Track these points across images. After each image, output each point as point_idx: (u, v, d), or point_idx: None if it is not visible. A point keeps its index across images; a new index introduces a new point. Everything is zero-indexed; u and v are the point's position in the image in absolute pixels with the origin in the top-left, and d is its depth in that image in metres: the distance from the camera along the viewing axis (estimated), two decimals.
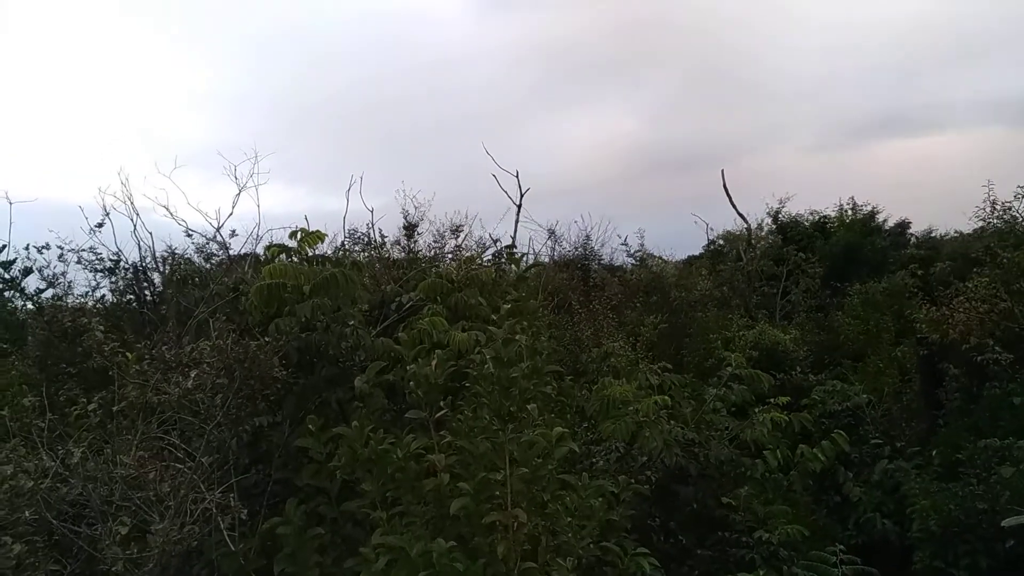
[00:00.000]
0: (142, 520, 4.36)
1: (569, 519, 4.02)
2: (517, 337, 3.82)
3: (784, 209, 16.99)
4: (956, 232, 15.35)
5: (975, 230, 11.34)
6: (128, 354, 5.06)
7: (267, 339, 4.72)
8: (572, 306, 11.69)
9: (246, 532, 4.69)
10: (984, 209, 10.89)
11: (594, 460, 5.77)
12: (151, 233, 8.02)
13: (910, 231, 18.16)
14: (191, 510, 4.38)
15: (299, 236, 5.68)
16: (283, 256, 5.63)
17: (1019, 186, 9.13)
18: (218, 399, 4.74)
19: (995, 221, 10.71)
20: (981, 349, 8.98)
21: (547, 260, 15.02)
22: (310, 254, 5.42)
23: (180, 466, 4.64)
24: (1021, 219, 9.76)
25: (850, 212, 17.52)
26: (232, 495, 4.46)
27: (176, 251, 7.50)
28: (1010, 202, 9.61)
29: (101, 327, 4.67)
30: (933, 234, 17.72)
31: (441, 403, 4.32)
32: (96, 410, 4.40)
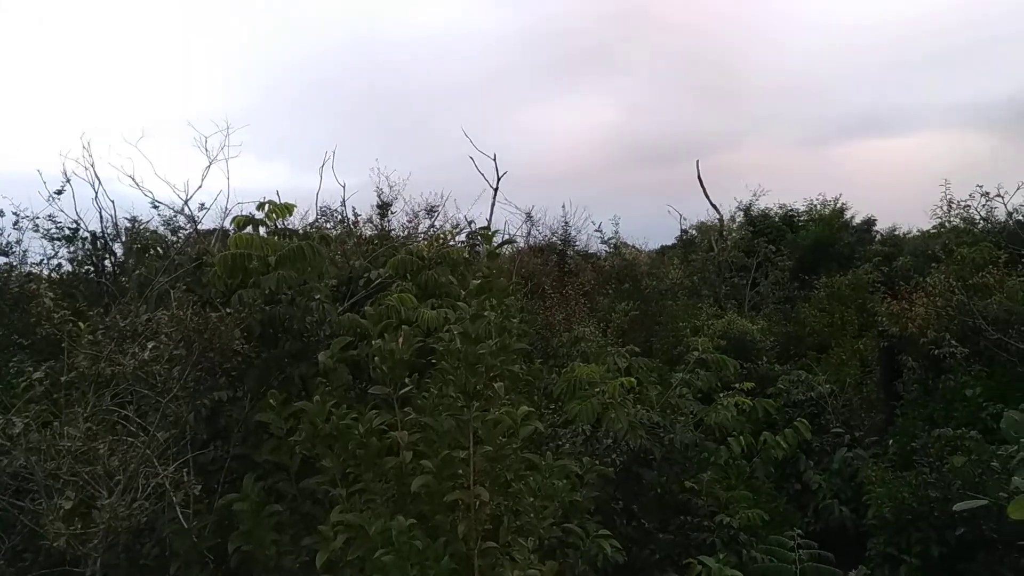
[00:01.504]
0: (90, 495, 4.19)
1: (532, 499, 3.98)
2: (486, 314, 3.75)
3: (756, 203, 17.21)
4: (919, 231, 15.71)
5: (934, 227, 11.65)
6: (81, 324, 4.85)
7: (229, 311, 4.56)
8: (545, 291, 11.67)
9: (202, 509, 4.56)
10: (941, 208, 11.16)
11: (560, 442, 5.75)
12: (113, 202, 7.75)
13: (876, 228, 18.52)
14: (143, 486, 4.23)
15: (267, 208, 5.51)
16: (250, 228, 5.46)
17: (977, 186, 9.36)
18: (175, 371, 4.58)
19: (952, 220, 10.99)
20: (938, 343, 9.20)
21: (523, 245, 15.00)
22: (278, 226, 5.26)
23: (132, 440, 4.48)
24: (978, 218, 10.00)
25: (820, 208, 17.79)
26: (187, 471, 4.33)
27: (139, 220, 7.22)
28: (966, 201, 9.85)
29: (51, 294, 4.46)
30: (897, 232, 18.12)
31: (407, 380, 4.23)
32: (42, 380, 4.21)
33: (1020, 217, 11.15)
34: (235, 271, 4.79)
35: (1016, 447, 4.10)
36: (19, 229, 7.62)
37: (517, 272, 10.73)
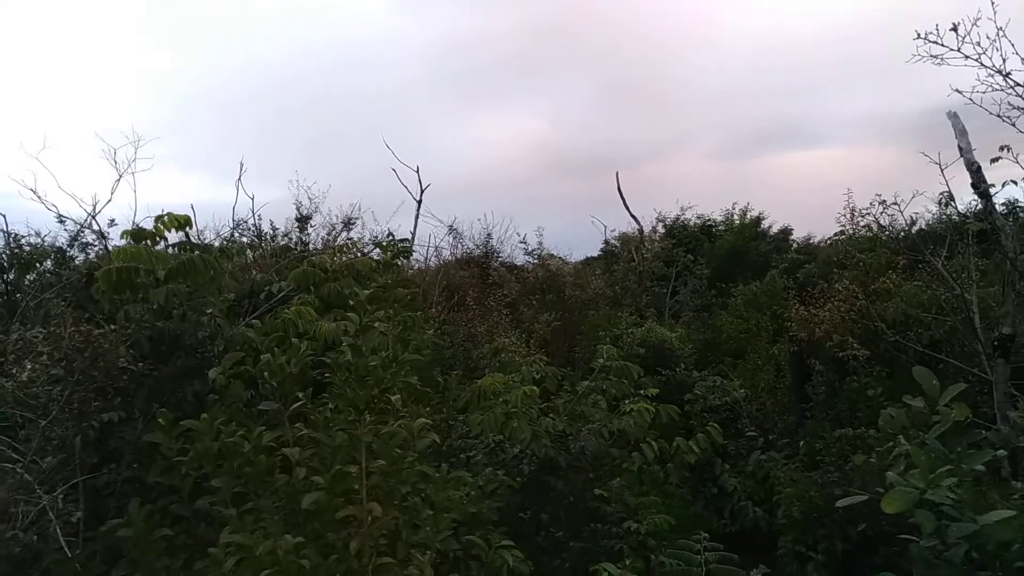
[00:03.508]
0: None
1: (430, 512, 3.94)
2: (376, 325, 3.70)
3: (683, 216, 17.70)
4: (830, 240, 16.45)
5: (836, 234, 12.25)
6: None
7: (113, 327, 4.36)
8: (469, 304, 11.67)
9: (92, 536, 4.34)
10: (844, 216, 11.75)
11: (471, 454, 5.72)
12: (3, 216, 7.31)
13: (792, 237, 19.31)
14: (22, 513, 4.01)
15: (164, 219, 5.31)
16: (146, 241, 5.25)
17: (876, 194, 9.90)
18: (55, 392, 4.35)
19: (856, 228, 11.57)
20: (842, 346, 9.65)
21: (449, 257, 14.95)
22: (170, 239, 5.07)
23: (11, 466, 4.25)
24: (876, 226, 10.58)
25: (737, 219, 18.44)
26: (62, 497, 4.12)
27: (27, 235, 6.84)
28: (867, 209, 10.40)
29: None
30: (812, 240, 18.93)
31: (300, 395, 4.14)
32: None
33: (919, 225, 11.85)
34: (120, 285, 4.58)
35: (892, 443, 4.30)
36: None
37: (439, 285, 10.69)
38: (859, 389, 9.26)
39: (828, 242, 13.19)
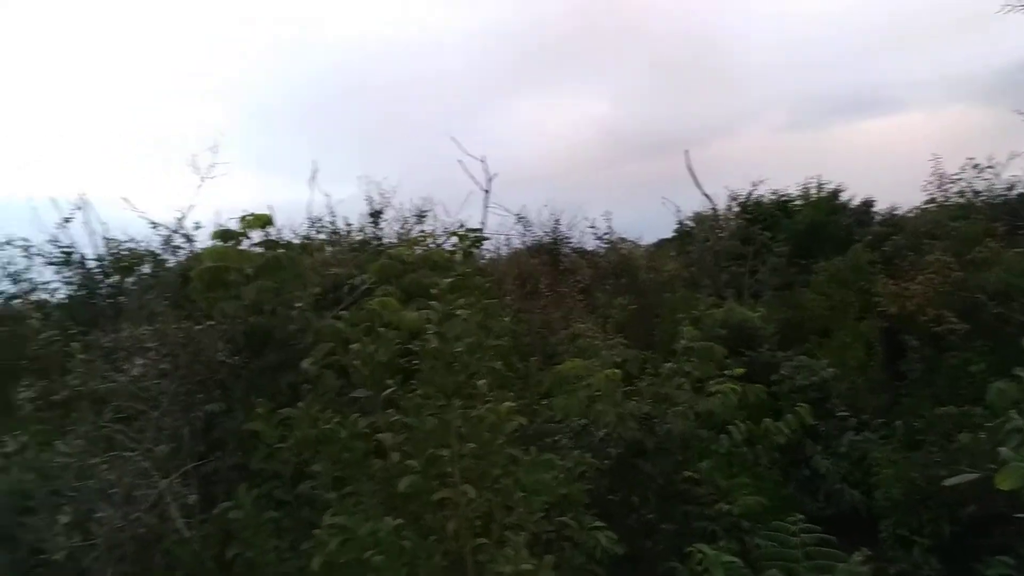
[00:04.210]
0: (89, 510, 4.28)
1: (522, 494, 3.98)
2: (459, 312, 3.76)
3: (754, 192, 17.11)
4: (918, 209, 15.57)
5: (925, 202, 11.56)
6: (72, 343, 4.93)
7: (211, 323, 4.61)
8: (542, 291, 11.68)
9: (205, 520, 4.62)
10: (933, 183, 11.10)
11: (556, 438, 5.74)
12: (106, 224, 7.84)
13: (874, 209, 18.36)
14: (142, 497, 4.31)
15: (247, 220, 5.56)
16: (233, 240, 5.50)
17: (968, 158, 9.30)
18: (164, 385, 4.64)
19: (948, 195, 10.92)
20: (938, 320, 9.15)
21: (519, 246, 14.97)
22: (256, 238, 5.30)
23: (129, 454, 4.56)
24: (971, 191, 9.95)
25: (814, 193, 17.68)
26: (183, 482, 4.39)
27: (126, 241, 7.30)
28: (958, 174, 9.80)
29: (37, 315, 4.55)
30: (897, 211, 17.94)
31: (391, 382, 4.25)
32: (32, 399, 4.28)
33: (1019, 189, 11.08)
34: (213, 284, 4.83)
35: (1004, 418, 4.06)
36: (28, 257, 7.74)
37: (512, 274, 10.75)
38: (960, 365, 8.76)
39: (917, 211, 12.46)
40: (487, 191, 13.16)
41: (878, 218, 17.71)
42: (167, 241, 8.31)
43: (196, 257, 6.65)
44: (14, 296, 7.48)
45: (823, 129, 32.62)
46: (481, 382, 3.99)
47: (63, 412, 4.67)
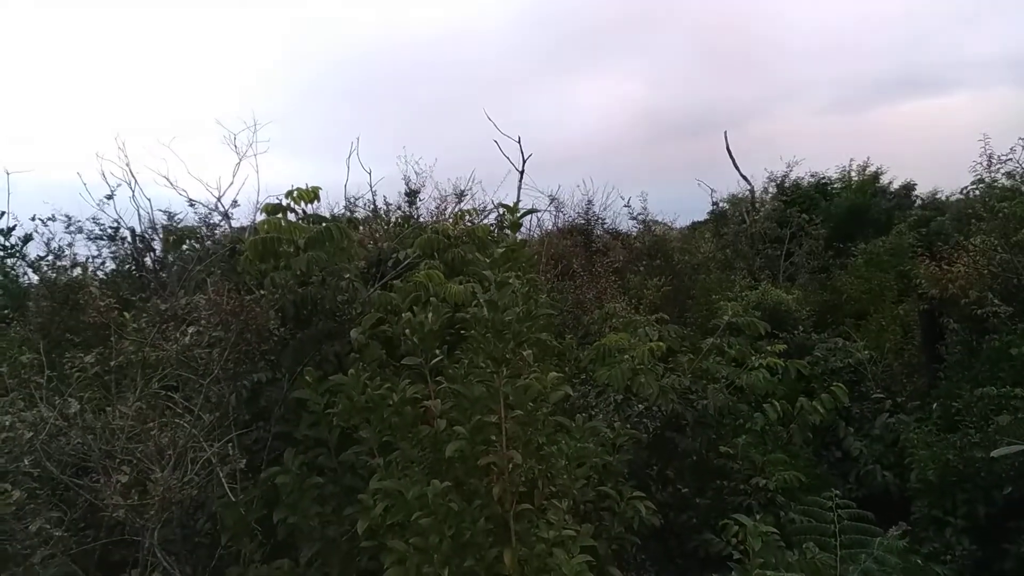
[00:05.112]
0: (143, 471, 4.41)
1: (565, 462, 4.04)
2: (511, 281, 3.81)
3: (790, 174, 16.85)
4: (961, 192, 15.24)
5: (972, 183, 11.24)
6: (125, 313, 5.08)
7: (263, 293, 4.72)
8: (575, 271, 11.68)
9: (248, 485, 4.75)
10: (981, 164, 10.81)
11: (594, 411, 5.79)
12: (149, 200, 8.04)
13: (915, 193, 17.99)
14: (192, 460, 4.44)
15: (295, 194, 5.66)
16: (279, 214, 5.62)
17: (1020, 137, 9.00)
18: (215, 354, 4.76)
19: (996, 175, 10.62)
20: (981, 303, 8.96)
21: (551, 227, 14.96)
22: (306, 211, 5.40)
23: (179, 420, 4.69)
24: (1020, 172, 9.66)
25: (854, 175, 17.37)
26: (232, 448, 4.52)
27: (175, 215, 7.48)
28: (1008, 155, 9.50)
29: (96, 282, 4.68)
30: (939, 195, 17.55)
31: (437, 352, 4.33)
32: (92, 364, 4.43)
33: None
34: (266, 255, 4.93)
35: None
36: (70, 232, 7.97)
37: (546, 253, 10.76)
38: (1001, 347, 8.58)
39: (963, 192, 12.12)
40: (521, 172, 13.20)
41: (919, 202, 17.37)
42: (215, 214, 8.52)
43: (244, 230, 6.81)
44: (72, 265, 7.72)
45: (865, 111, 31.92)
46: (527, 352, 4.05)
47: (118, 377, 4.81)
